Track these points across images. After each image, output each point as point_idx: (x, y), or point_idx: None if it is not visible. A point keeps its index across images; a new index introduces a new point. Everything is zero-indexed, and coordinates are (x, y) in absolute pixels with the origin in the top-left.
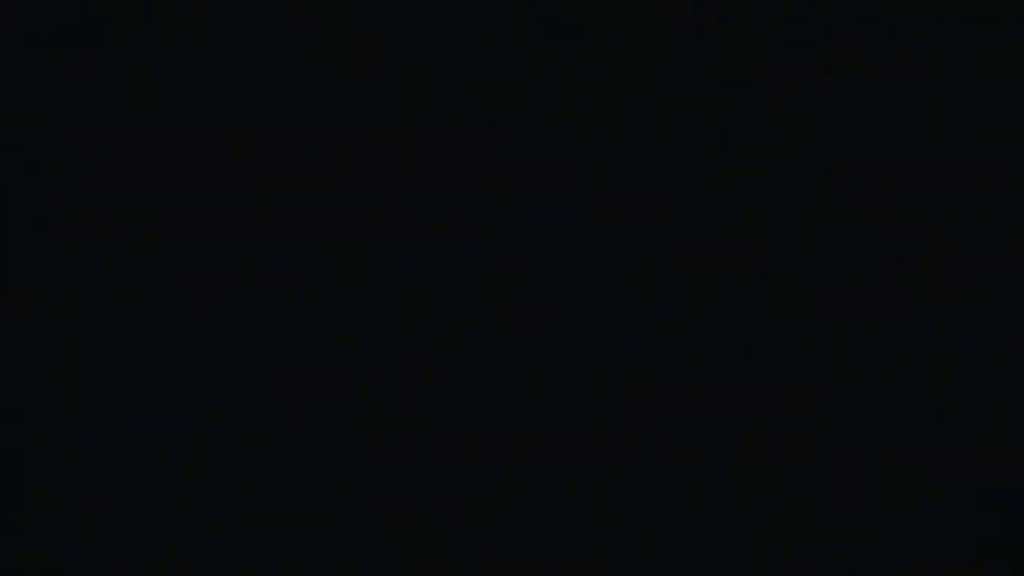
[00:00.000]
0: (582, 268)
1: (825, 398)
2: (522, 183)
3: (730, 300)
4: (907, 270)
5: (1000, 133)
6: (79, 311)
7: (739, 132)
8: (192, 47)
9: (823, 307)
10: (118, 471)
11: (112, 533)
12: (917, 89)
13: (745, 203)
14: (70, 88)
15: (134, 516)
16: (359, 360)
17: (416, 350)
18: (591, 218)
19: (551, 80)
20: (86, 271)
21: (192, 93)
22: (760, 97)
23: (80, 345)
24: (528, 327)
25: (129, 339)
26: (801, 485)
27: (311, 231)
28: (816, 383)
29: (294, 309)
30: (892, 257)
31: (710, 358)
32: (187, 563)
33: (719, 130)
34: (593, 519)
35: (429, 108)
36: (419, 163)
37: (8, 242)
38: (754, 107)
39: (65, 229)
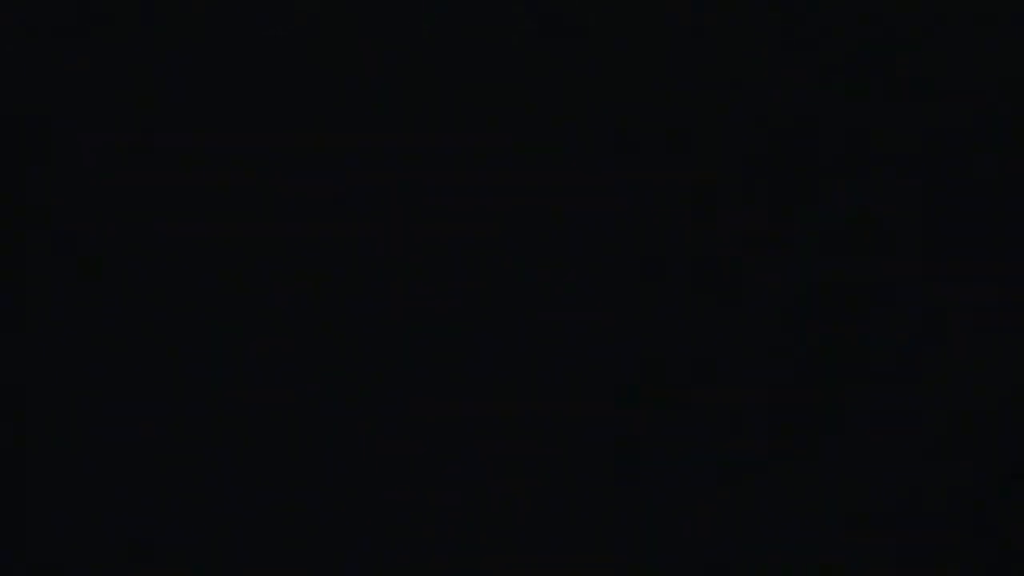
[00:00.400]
0: (582, 268)
1: (824, 398)
2: (523, 183)
3: (730, 299)
4: (906, 270)
5: (1000, 133)
6: (79, 311)
7: (739, 132)
8: (192, 47)
9: (822, 306)
10: (118, 470)
11: (112, 533)
12: (917, 90)
13: (745, 202)
14: (70, 88)
15: (134, 516)
16: (359, 360)
17: (416, 350)
18: (591, 218)
19: (551, 80)
20: (86, 271)
21: (192, 93)
22: (760, 97)
23: (80, 345)
24: (528, 327)
25: (129, 339)
26: (798, 485)
27: (311, 231)
28: (814, 383)
29: (294, 309)
30: (892, 257)
31: (710, 358)
32: (186, 563)
33: (719, 130)
34: (590, 519)
35: (429, 108)
36: (419, 163)
37: (8, 242)
38: (754, 107)
39: (65, 229)
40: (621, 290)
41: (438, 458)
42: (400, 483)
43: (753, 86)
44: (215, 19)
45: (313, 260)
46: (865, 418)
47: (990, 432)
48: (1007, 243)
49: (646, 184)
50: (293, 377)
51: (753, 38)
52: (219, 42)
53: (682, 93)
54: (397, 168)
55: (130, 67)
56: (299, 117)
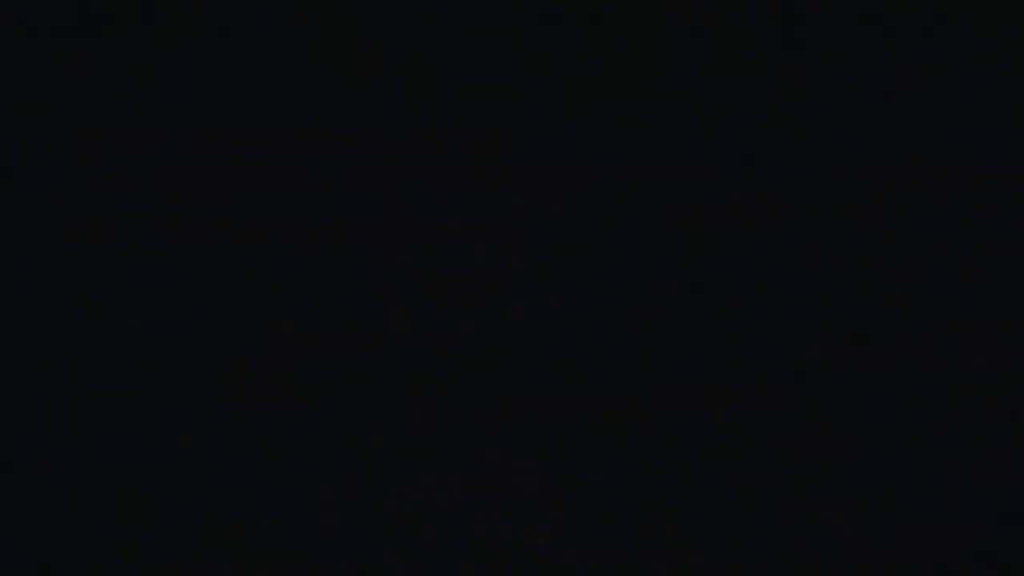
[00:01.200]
0: (583, 268)
1: (824, 398)
2: (524, 183)
3: (730, 299)
4: (906, 270)
5: (1000, 133)
6: (79, 311)
7: (739, 132)
8: (192, 47)
9: (822, 306)
10: (117, 470)
11: (111, 533)
12: (917, 89)
13: (746, 203)
14: (70, 88)
15: (133, 516)
16: (359, 360)
17: (415, 350)
18: (591, 218)
19: (551, 80)
20: (86, 271)
21: (192, 93)
22: (760, 97)
23: (80, 344)
24: (527, 327)
25: (128, 338)
26: (797, 485)
27: (311, 231)
28: (815, 383)
29: (294, 309)
30: (891, 257)
31: (709, 358)
32: (186, 563)
33: (720, 130)
34: (588, 520)
35: (429, 108)
36: (419, 163)
37: (8, 242)
38: (754, 107)
39: (65, 229)
40: (619, 291)
41: (438, 458)
42: (400, 483)
43: (753, 86)
44: (215, 19)
45: (313, 260)
46: (863, 417)
47: (989, 432)
48: (1006, 242)
49: (646, 184)
50: (294, 374)
51: (753, 38)
52: (219, 42)
53: (682, 93)
54: (397, 168)
55: (130, 67)
56: (299, 117)
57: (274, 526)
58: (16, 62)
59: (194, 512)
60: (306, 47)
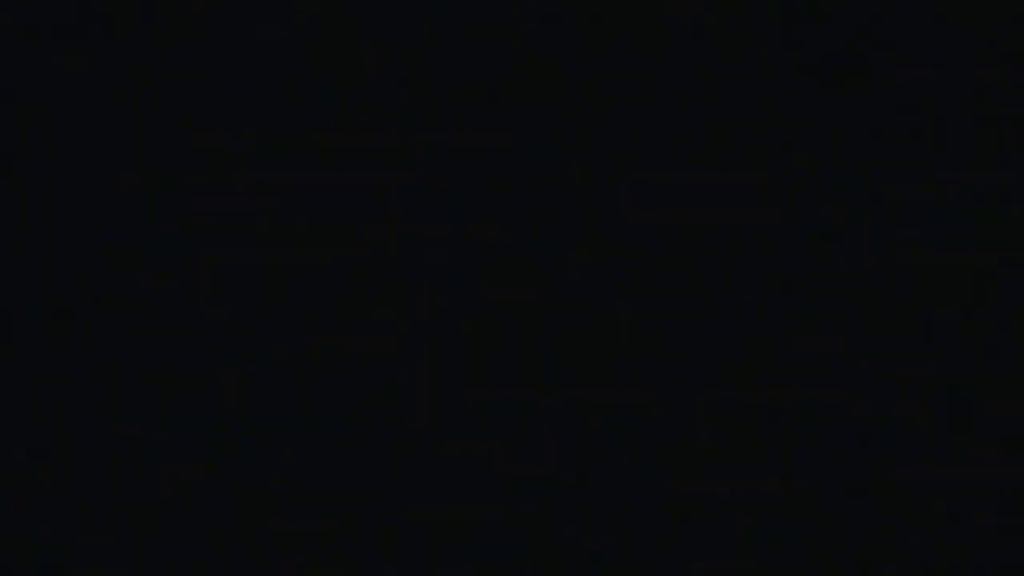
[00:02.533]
0: (583, 268)
1: (824, 399)
2: (524, 183)
3: (729, 299)
4: (903, 266)
5: (999, 133)
6: (79, 311)
7: (741, 132)
8: (192, 47)
9: (821, 306)
10: (117, 470)
11: (111, 533)
12: (917, 90)
13: (744, 203)
14: (70, 88)
15: (132, 516)
16: (360, 360)
17: (416, 349)
18: (590, 219)
19: (552, 80)
20: (87, 271)
21: (192, 93)
22: (760, 97)
23: (80, 345)
24: (527, 327)
25: (129, 339)
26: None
27: (312, 231)
28: (815, 383)
29: (294, 309)
30: (891, 257)
31: (708, 358)
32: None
33: (720, 130)
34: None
35: (429, 108)
36: (420, 163)
37: (8, 243)
38: (754, 107)
39: (66, 229)
40: (619, 291)
41: (439, 458)
42: (399, 483)
43: (752, 87)
44: (215, 19)
45: (313, 260)
46: (865, 418)
47: (991, 433)
48: (1005, 240)
49: (646, 184)
50: (295, 376)
51: (753, 38)
52: (219, 42)
53: (682, 93)
54: (398, 168)
55: (130, 67)
56: (299, 117)
57: (272, 527)
58: (16, 62)
59: (191, 513)
60: (306, 47)
